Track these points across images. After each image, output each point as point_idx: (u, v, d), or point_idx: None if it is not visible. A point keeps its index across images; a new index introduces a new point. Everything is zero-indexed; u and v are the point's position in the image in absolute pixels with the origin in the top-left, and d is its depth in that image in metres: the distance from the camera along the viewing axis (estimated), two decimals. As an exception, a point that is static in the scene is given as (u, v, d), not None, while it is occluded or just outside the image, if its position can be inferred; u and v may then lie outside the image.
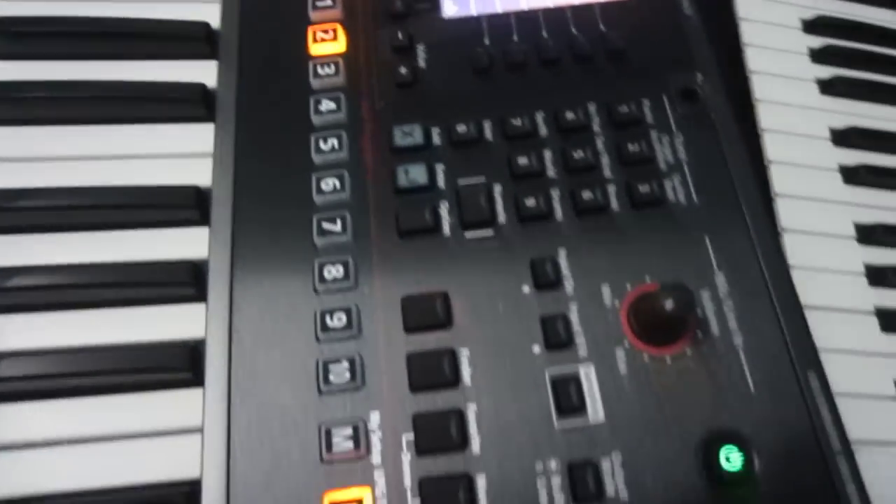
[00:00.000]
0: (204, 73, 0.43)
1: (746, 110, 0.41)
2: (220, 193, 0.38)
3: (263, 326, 0.34)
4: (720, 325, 0.34)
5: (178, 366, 0.35)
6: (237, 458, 0.32)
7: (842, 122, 0.43)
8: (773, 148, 0.40)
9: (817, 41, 0.46)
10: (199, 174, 0.39)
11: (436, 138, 0.39)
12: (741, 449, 0.31)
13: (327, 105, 0.39)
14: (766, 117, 0.41)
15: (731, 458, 0.31)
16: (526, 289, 0.35)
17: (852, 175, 0.41)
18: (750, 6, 0.46)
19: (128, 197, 0.38)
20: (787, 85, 0.43)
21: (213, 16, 0.44)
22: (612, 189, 0.37)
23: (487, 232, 0.36)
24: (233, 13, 0.43)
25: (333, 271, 0.35)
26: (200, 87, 0.41)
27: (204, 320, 0.35)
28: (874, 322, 0.37)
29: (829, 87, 0.45)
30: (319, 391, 0.33)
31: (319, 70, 0.40)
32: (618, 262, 0.35)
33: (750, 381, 0.33)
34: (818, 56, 0.46)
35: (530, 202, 0.36)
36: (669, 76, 0.39)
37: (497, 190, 0.37)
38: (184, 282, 0.36)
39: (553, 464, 0.32)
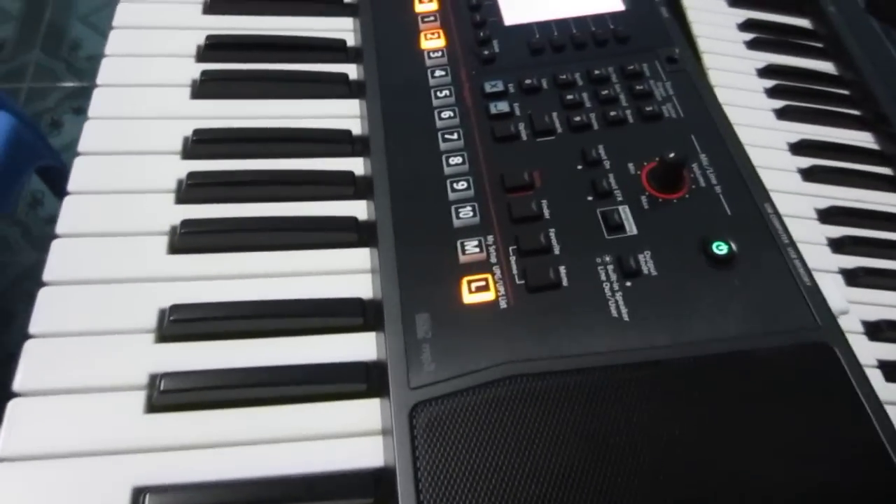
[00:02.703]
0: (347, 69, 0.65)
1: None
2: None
3: (415, 209, 0.53)
4: (705, 181, 0.53)
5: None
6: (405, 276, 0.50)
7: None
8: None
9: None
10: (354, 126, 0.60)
11: (511, 88, 0.59)
12: (725, 242, 0.49)
13: (439, 72, 0.60)
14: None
15: (720, 248, 0.49)
16: (579, 166, 0.54)
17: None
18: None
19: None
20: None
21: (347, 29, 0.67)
22: (628, 111, 0.57)
23: (550, 137, 0.56)
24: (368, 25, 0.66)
25: (454, 160, 0.55)
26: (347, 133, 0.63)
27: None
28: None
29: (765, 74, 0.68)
30: (451, 225, 0.51)
31: (431, 55, 0.62)
32: (637, 150, 0.55)
33: (727, 207, 0.52)
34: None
35: (577, 118, 0.56)
36: (658, 50, 0.61)
37: (554, 114, 0.57)
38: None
39: (607, 258, 0.49)
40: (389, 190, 0.53)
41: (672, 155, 0.51)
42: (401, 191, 0.53)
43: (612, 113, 0.57)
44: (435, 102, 0.59)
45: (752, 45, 0.74)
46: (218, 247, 0.52)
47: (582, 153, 0.55)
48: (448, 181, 0.54)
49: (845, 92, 0.74)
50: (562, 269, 0.49)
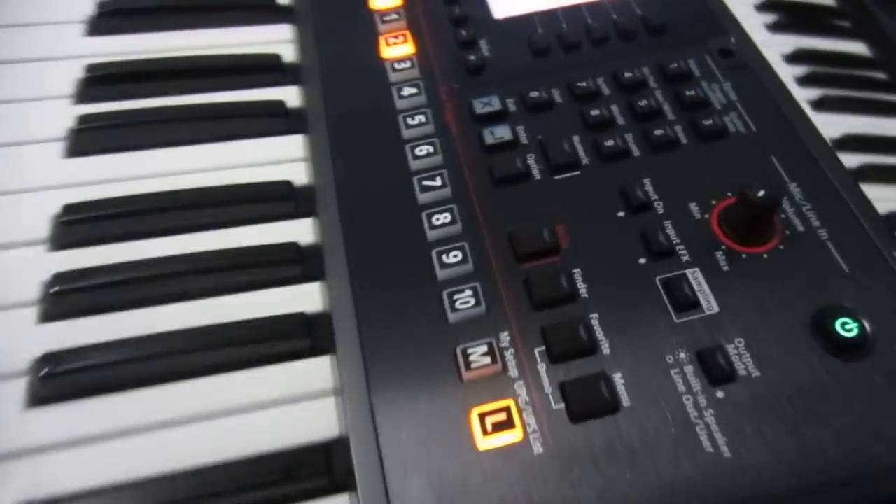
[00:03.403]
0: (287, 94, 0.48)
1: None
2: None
3: (387, 296, 0.37)
4: (804, 223, 0.37)
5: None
6: (380, 405, 0.33)
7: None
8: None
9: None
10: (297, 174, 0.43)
11: (511, 105, 0.43)
12: (852, 318, 0.33)
13: (408, 90, 0.44)
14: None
15: (846, 326, 0.33)
16: (620, 213, 0.38)
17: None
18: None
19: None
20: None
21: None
22: (678, 128, 0.41)
23: (574, 173, 0.40)
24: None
25: (439, 219, 0.38)
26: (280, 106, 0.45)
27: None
28: None
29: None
30: (446, 320, 0.35)
31: (396, 67, 0.45)
32: (699, 184, 0.39)
33: (841, 262, 0.35)
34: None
35: (609, 143, 0.40)
36: (707, 41, 0.45)
37: (576, 139, 0.41)
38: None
39: (682, 354, 0.33)
40: (350, 276, 0.37)
41: (762, 192, 0.35)
42: (366, 273, 0.37)
43: (657, 131, 0.41)
44: (406, 134, 0.42)
45: (774, 27, 0.59)
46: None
47: (622, 193, 0.39)
48: (434, 254, 0.37)
49: (883, 76, 0.59)
50: (617, 380, 0.33)
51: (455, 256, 0.37)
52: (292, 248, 0.40)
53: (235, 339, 0.37)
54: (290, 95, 0.48)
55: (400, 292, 0.36)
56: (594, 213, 0.38)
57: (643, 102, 0.42)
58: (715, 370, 0.32)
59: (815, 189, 0.38)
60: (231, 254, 0.39)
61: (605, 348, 0.34)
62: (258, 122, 0.46)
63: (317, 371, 0.36)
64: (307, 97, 0.46)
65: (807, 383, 0.32)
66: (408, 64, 0.45)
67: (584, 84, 0.43)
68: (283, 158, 0.44)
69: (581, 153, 0.40)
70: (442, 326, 0.35)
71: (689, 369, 0.33)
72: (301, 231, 0.41)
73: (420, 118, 0.42)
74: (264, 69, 0.49)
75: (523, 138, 0.41)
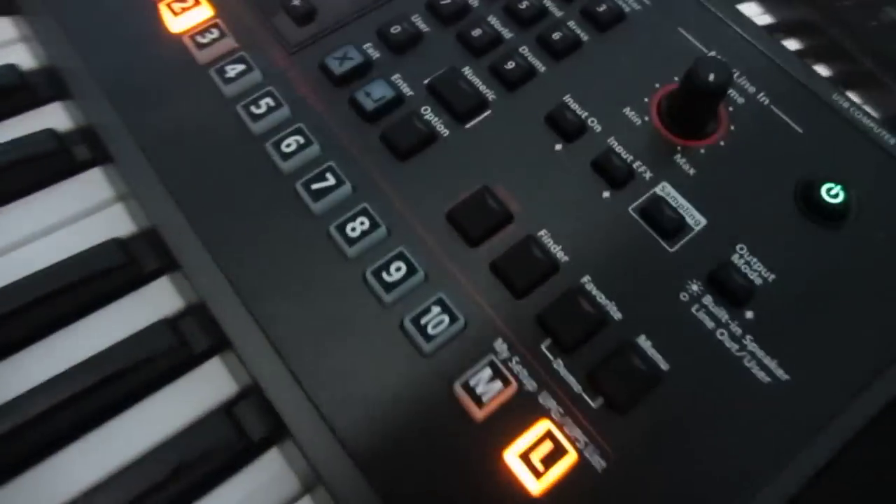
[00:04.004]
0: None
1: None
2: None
3: (314, 327, 0.27)
4: (741, 93, 0.33)
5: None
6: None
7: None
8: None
9: None
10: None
11: (372, 52, 0.33)
12: (833, 182, 0.31)
13: (232, 70, 0.32)
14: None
15: (831, 192, 0.31)
16: (558, 146, 0.32)
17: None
18: None
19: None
20: None
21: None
22: (571, 25, 0.34)
23: (485, 114, 0.32)
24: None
25: (357, 227, 0.29)
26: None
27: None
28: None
29: None
30: (422, 353, 0.27)
31: (200, 41, 0.33)
32: (623, 83, 0.33)
33: (794, 125, 0.32)
34: None
35: (508, 65, 0.33)
36: None
37: (467, 72, 0.33)
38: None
39: (694, 287, 0.29)
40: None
41: (710, 74, 0.30)
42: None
43: (554, 35, 0.34)
44: (256, 129, 0.31)
45: None
46: None
47: (549, 122, 0.32)
48: (370, 276, 0.28)
49: None
50: (644, 345, 0.28)
51: (398, 271, 0.28)
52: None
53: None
54: (57, 119, 0.34)
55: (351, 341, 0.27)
56: (528, 157, 0.31)
57: (524, 5, 0.34)
58: (733, 289, 0.28)
59: (737, 52, 0.34)
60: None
61: (615, 312, 0.28)
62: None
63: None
64: (89, 116, 0.33)
65: (822, 269, 0.29)
66: (214, 33, 0.33)
67: (446, 1, 0.34)
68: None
69: (482, 88, 0.33)
70: (425, 364, 0.27)
71: (707, 300, 0.28)
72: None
73: (266, 103, 0.31)
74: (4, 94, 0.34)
75: (406, 90, 0.33)
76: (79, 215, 0.33)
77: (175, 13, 0.34)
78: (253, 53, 0.33)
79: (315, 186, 0.30)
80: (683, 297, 0.28)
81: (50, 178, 0.33)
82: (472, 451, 0.26)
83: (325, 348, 0.27)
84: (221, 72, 0.32)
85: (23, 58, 0.36)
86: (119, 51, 0.33)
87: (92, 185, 0.33)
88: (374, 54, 0.33)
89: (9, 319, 0.29)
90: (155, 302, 0.31)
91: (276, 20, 0.34)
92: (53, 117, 0.35)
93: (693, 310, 0.28)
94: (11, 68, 0.35)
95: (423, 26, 0.34)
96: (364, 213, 0.29)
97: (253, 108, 0.31)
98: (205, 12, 0.34)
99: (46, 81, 0.35)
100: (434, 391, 0.26)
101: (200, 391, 0.29)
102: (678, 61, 0.33)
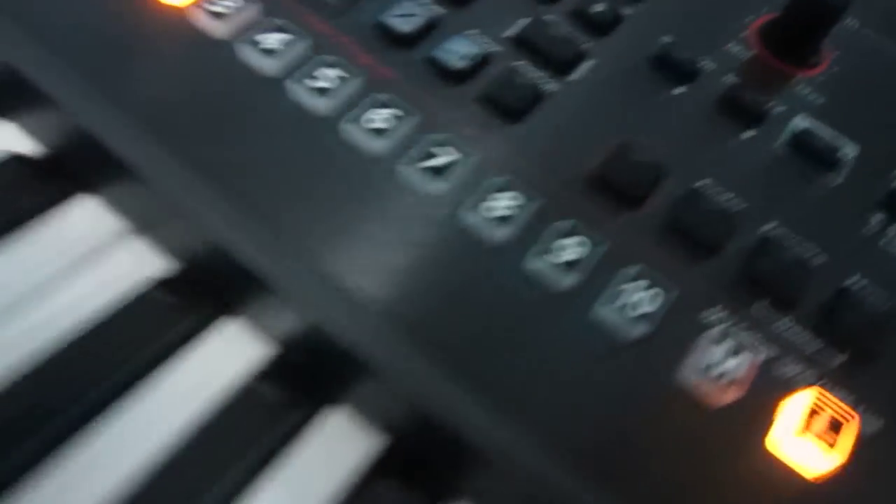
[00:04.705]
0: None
1: None
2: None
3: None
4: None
5: None
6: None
7: None
8: None
9: None
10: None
11: (432, 6, 0.27)
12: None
13: (271, 39, 0.25)
14: None
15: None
16: (679, 89, 0.27)
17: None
18: None
19: None
20: None
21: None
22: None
23: (588, 65, 0.27)
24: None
25: (501, 205, 0.22)
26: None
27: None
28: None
29: None
30: (627, 339, 0.21)
31: (209, 6, 0.25)
32: (716, 18, 0.29)
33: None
34: None
35: (596, 8, 0.28)
36: None
37: (552, 21, 0.28)
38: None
39: (877, 216, 0.25)
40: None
41: (827, -10, 0.27)
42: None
43: (627, -25, 0.30)
44: (322, 106, 0.24)
45: None
46: None
47: (658, 63, 0.27)
48: (540, 265, 0.22)
49: None
50: (859, 283, 0.23)
51: (579, 246, 0.22)
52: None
53: None
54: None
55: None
56: (649, 103, 0.26)
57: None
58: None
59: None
60: None
61: (818, 257, 0.24)
62: None
63: None
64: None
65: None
66: (230, 3, 0.25)
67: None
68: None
69: (573, 36, 0.28)
70: (634, 352, 0.21)
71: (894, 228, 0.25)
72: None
73: (327, 75, 0.24)
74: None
75: (491, 45, 0.27)
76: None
77: (171, -19, 0.26)
78: (286, 21, 0.25)
79: (427, 165, 0.23)
80: (870, 229, 0.25)
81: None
82: (717, 441, 0.20)
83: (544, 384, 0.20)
84: (255, 43, 0.24)
85: None
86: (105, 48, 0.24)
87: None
88: (436, 9, 0.27)
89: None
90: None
91: (302, -14, 0.27)
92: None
93: (885, 239, 0.25)
94: None
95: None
96: (505, 189, 0.23)
97: (310, 83, 0.24)
98: (205, -21, 0.26)
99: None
100: (655, 381, 0.20)
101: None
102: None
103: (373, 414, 0.22)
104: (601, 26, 0.28)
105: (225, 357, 0.23)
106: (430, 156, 0.23)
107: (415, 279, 0.21)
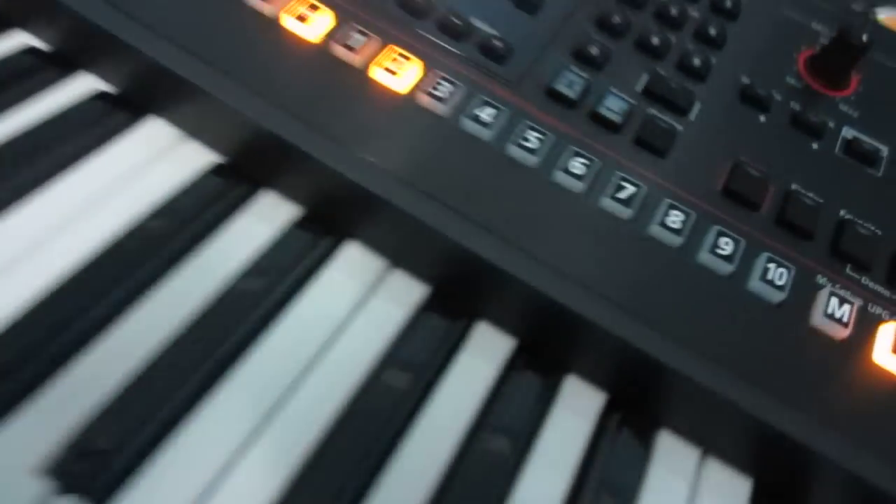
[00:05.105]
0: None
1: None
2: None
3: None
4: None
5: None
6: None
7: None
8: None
9: None
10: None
11: (579, 71, 0.36)
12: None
13: (484, 114, 0.33)
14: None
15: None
16: (761, 118, 0.37)
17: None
18: None
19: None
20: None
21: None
22: (711, 19, 0.41)
23: (699, 106, 0.37)
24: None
25: (672, 219, 0.32)
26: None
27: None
28: None
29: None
30: (775, 304, 0.31)
31: (434, 92, 0.34)
32: (773, 57, 0.40)
33: None
34: None
35: (696, 61, 0.38)
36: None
37: (663, 73, 0.38)
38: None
39: (907, 196, 0.36)
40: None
41: (855, 31, 0.37)
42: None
43: (709, 30, 0.40)
44: (531, 161, 0.33)
45: None
46: None
47: (744, 97, 0.38)
48: (707, 258, 0.32)
49: None
50: (908, 248, 0.34)
51: (727, 246, 0.32)
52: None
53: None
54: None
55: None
56: (746, 130, 0.37)
57: (674, 11, 0.40)
58: None
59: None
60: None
61: (875, 231, 0.35)
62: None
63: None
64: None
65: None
66: (445, 84, 0.34)
67: (616, 19, 0.39)
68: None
69: (683, 85, 0.37)
70: (784, 313, 0.31)
71: (921, 204, 0.36)
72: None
73: (533, 136, 0.33)
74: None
75: (630, 99, 0.36)
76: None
77: (393, 73, 0.34)
78: (489, 97, 0.34)
79: (619, 196, 0.32)
80: (912, 204, 0.36)
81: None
82: (845, 364, 0.31)
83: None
84: (475, 117, 0.33)
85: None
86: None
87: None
88: (584, 75, 0.36)
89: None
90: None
91: (480, 61, 0.36)
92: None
93: (925, 213, 0.36)
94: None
95: (607, 42, 0.38)
96: (672, 206, 0.33)
97: (523, 143, 0.33)
98: (415, 69, 0.35)
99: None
100: (796, 329, 0.31)
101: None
102: (804, 29, 0.41)
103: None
104: (700, 74, 0.38)
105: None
106: (620, 188, 0.33)
107: (624, 269, 0.31)
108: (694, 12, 0.41)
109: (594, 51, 0.37)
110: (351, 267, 0.33)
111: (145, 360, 0.28)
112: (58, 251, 0.30)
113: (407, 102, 0.34)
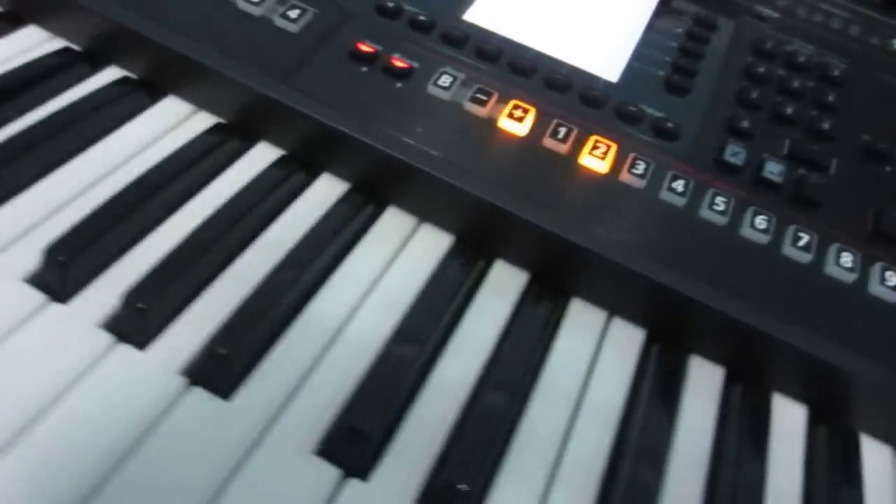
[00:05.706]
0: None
1: None
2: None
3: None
4: (934, 102, 0.50)
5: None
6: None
7: None
8: None
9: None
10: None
11: (740, 143, 0.44)
12: None
13: (676, 184, 0.41)
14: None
15: None
16: (887, 168, 0.45)
17: None
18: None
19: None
20: None
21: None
22: (825, 90, 0.49)
23: (834, 160, 0.45)
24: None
25: (841, 258, 0.40)
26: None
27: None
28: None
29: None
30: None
31: (632, 171, 0.41)
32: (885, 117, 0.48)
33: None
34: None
35: (826, 125, 0.46)
36: None
37: (799, 139, 0.46)
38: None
39: None
40: None
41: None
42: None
43: (829, 98, 0.48)
44: (721, 221, 0.40)
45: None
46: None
47: (867, 153, 0.46)
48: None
49: None
50: None
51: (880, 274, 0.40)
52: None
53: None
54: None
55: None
56: (873, 181, 0.45)
57: (796, 84, 0.48)
58: None
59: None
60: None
61: None
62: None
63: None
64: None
65: None
66: (642, 165, 0.42)
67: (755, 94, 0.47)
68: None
69: (813, 149, 0.45)
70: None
71: None
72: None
73: (722, 201, 0.41)
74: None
75: (780, 161, 0.44)
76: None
77: (601, 158, 0.42)
78: (669, 167, 0.42)
79: (799, 245, 0.40)
80: None
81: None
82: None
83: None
84: (671, 188, 0.41)
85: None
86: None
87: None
88: (741, 145, 0.44)
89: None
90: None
91: (657, 141, 0.43)
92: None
93: None
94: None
95: (750, 116, 0.46)
96: (842, 250, 0.40)
97: (714, 207, 0.41)
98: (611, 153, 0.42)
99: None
100: None
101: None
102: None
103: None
104: (829, 135, 0.46)
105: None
106: (798, 238, 0.40)
107: (817, 308, 0.38)
108: (809, 82, 0.49)
109: (745, 124, 0.45)
110: (585, 330, 0.40)
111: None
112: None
113: (610, 180, 0.42)
